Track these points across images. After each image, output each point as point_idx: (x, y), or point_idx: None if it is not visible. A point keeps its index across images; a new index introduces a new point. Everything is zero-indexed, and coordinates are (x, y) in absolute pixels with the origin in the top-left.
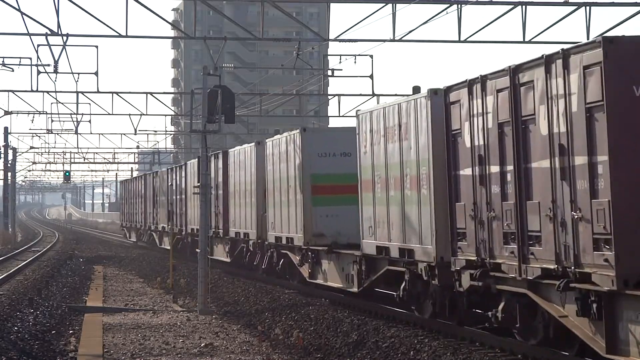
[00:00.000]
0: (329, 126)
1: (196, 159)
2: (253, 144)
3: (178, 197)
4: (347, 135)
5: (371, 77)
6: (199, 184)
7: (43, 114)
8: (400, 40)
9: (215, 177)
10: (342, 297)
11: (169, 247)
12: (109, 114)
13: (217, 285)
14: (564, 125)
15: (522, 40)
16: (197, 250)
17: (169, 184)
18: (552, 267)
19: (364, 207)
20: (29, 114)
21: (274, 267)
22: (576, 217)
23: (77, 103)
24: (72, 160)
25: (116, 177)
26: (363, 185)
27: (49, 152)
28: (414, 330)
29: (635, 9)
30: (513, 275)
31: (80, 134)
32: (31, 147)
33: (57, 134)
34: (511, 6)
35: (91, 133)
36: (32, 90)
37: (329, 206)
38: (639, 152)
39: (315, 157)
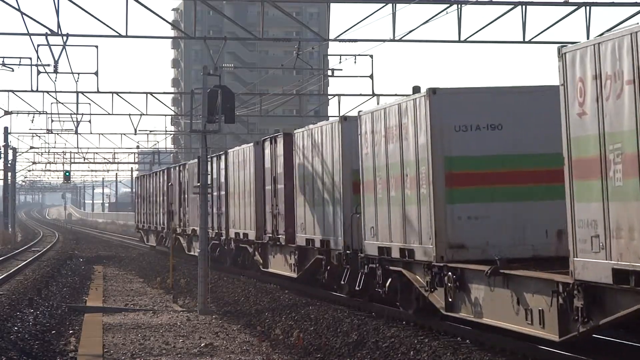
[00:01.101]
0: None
1: (242, 147)
2: (337, 120)
3: (215, 194)
4: (497, 99)
5: (371, 77)
6: (198, 184)
7: (43, 114)
8: (400, 40)
9: (272, 168)
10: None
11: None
12: (109, 114)
13: (217, 285)
14: None
15: (522, 40)
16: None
17: None
18: None
19: (578, 204)
20: (29, 114)
21: (374, 289)
22: None
23: (77, 103)
24: (72, 160)
25: (116, 177)
26: (576, 167)
27: (49, 152)
28: (414, 330)
29: (635, 9)
30: None
31: (80, 134)
32: (31, 147)
33: (57, 134)
34: (511, 6)
35: (91, 133)
36: (32, 90)
37: (473, 203)
38: None
39: (451, 132)
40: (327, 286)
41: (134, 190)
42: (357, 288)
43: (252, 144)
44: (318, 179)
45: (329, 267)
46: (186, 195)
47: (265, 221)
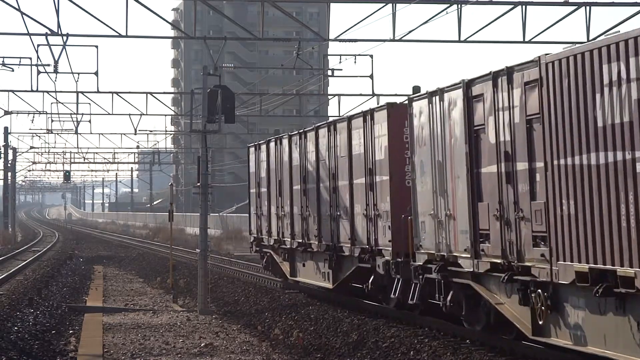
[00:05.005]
0: None
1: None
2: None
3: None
4: None
5: (371, 77)
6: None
7: (43, 114)
8: (400, 40)
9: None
10: None
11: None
12: (109, 114)
13: (217, 285)
14: None
15: (522, 40)
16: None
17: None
18: None
19: None
20: (29, 114)
21: None
22: None
23: (77, 103)
24: (72, 160)
25: (116, 177)
26: None
27: (49, 152)
28: (414, 330)
29: (635, 9)
30: None
31: (80, 134)
32: (31, 147)
33: (57, 134)
34: (511, 6)
35: (91, 133)
36: (32, 90)
37: None
38: None
39: None
40: None
41: (251, 170)
42: None
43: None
44: None
45: None
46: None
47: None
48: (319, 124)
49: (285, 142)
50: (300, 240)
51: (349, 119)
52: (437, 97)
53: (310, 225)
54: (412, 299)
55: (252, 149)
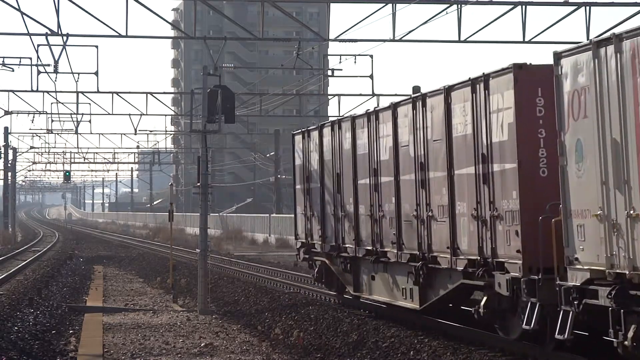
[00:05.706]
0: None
1: None
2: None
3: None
4: None
5: (371, 77)
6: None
7: (43, 114)
8: (400, 40)
9: None
10: None
11: None
12: (109, 114)
13: (217, 285)
14: None
15: (522, 40)
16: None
17: None
18: None
19: None
20: (29, 114)
21: None
22: None
23: (77, 103)
24: (72, 160)
25: (116, 177)
26: None
27: (49, 152)
28: (414, 330)
29: (635, 9)
30: None
31: (80, 134)
32: (31, 147)
33: (57, 134)
34: (511, 6)
35: (91, 133)
36: (32, 90)
37: None
38: None
39: None
40: None
41: (296, 162)
42: None
43: None
44: None
45: None
46: None
47: None
48: (397, 101)
49: (345, 126)
50: (370, 248)
51: (447, 90)
52: (612, 47)
53: (384, 228)
54: (562, 333)
55: (298, 137)
